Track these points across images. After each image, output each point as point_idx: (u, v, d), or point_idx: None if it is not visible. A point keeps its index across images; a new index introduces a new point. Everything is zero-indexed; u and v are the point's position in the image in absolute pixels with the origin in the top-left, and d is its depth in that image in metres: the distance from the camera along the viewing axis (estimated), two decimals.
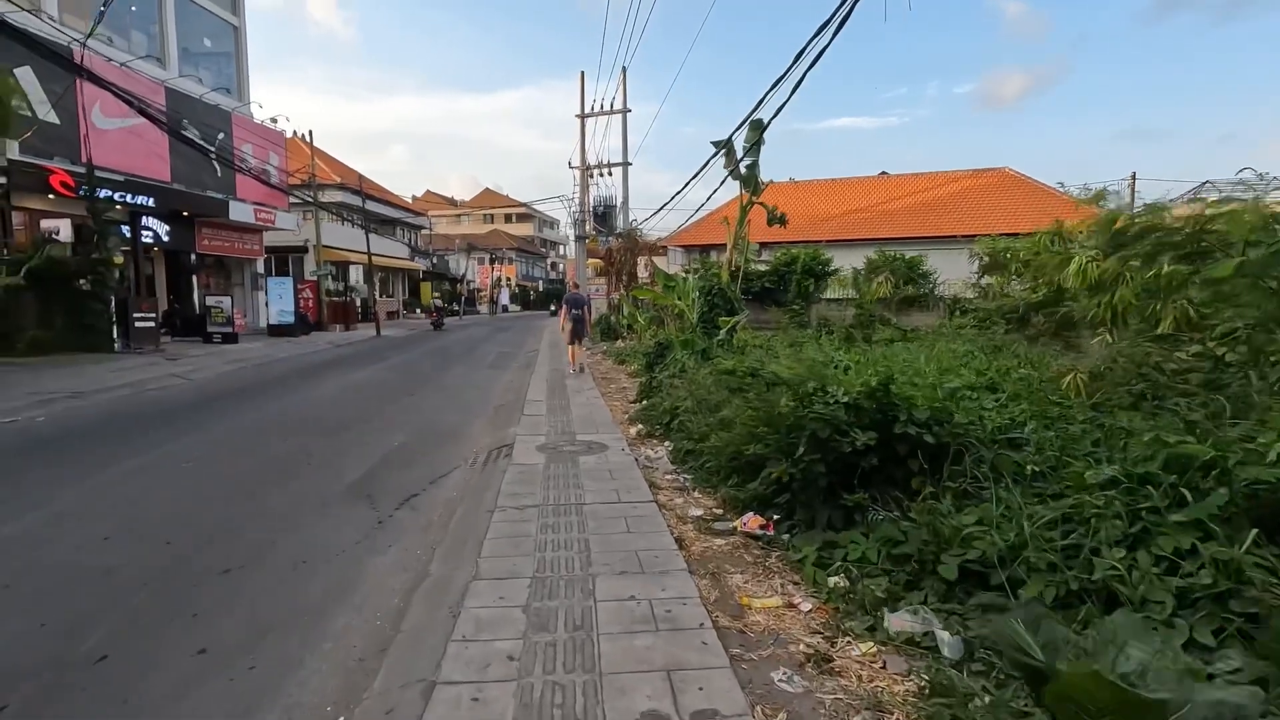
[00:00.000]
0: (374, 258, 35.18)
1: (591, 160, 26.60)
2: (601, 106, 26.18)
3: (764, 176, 12.79)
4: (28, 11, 15.46)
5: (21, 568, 3.86)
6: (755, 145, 11.23)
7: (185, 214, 20.75)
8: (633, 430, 7.15)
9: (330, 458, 6.43)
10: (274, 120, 25.15)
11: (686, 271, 18.11)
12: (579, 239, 26.89)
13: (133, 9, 21.08)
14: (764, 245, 27.96)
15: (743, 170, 11.87)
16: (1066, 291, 7.15)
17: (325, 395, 10.55)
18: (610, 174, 26.52)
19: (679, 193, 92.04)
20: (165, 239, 20.48)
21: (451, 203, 79.96)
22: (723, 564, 3.71)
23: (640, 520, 4.33)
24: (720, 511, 4.52)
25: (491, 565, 3.63)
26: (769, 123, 9.96)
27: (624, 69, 27.03)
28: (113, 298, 13.81)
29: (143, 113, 16.25)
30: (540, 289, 77.06)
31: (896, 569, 3.25)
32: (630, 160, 26.25)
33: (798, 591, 3.33)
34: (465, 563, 3.73)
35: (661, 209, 62.06)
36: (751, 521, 4.11)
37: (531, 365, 14.33)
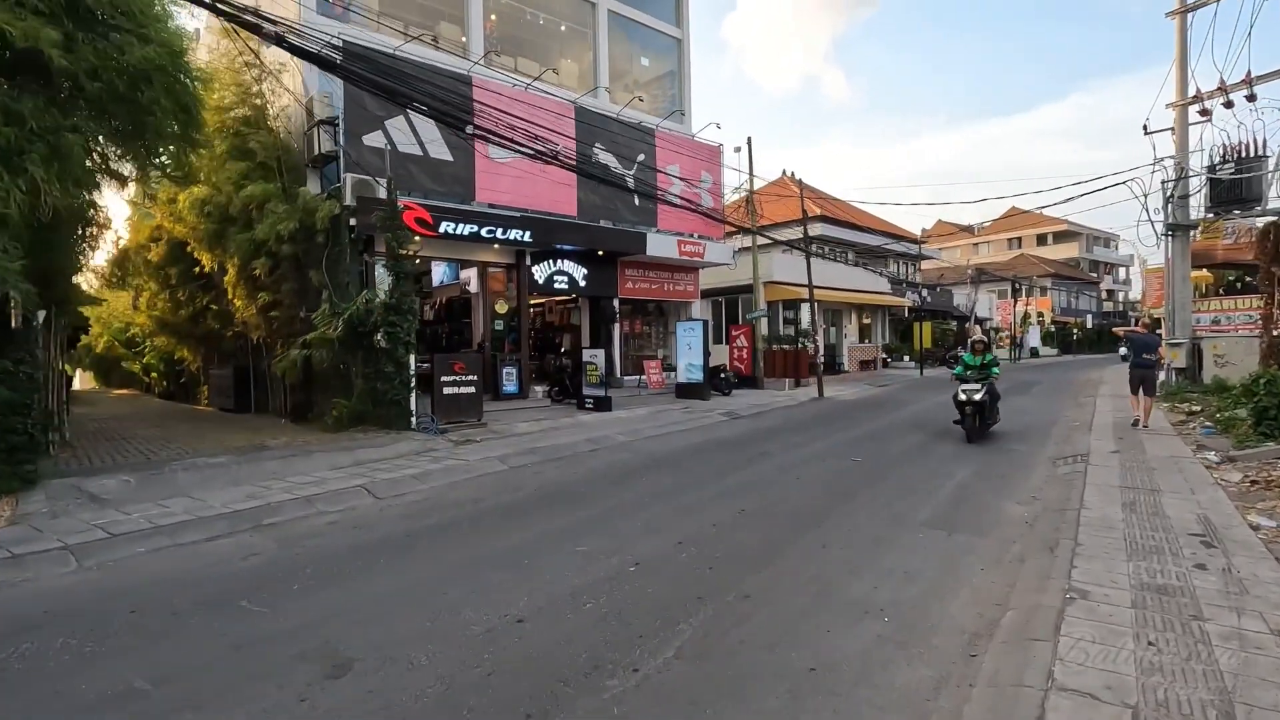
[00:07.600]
0: (839, 293, 28.58)
1: (1203, 85, 14.29)
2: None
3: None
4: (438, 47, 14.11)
5: None
6: None
7: (600, 253, 17.85)
8: None
9: None
10: (740, 148, 21.06)
11: None
12: (1173, 231, 14.65)
13: (561, 28, 19.13)
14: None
15: None
16: None
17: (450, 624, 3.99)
18: (1252, 99, 13.65)
19: None
20: (582, 283, 17.86)
21: (968, 230, 67.83)
22: None
23: None
24: None
25: None
26: None
27: None
28: (410, 359, 10.42)
29: (515, 147, 13.32)
30: (1088, 325, 58.39)
31: None
32: None
33: None
34: None
35: None
36: None
37: (1056, 533, 5.01)
